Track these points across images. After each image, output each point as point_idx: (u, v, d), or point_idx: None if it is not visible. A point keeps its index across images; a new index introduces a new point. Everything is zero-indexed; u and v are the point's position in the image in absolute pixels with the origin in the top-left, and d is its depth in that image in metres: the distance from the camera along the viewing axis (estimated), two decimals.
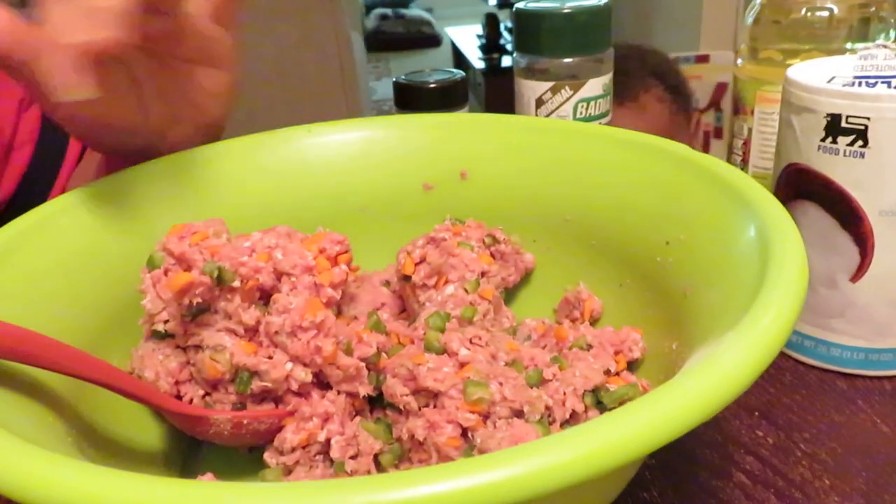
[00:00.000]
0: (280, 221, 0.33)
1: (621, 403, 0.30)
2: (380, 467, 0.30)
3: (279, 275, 0.30)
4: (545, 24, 0.48)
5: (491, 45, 3.18)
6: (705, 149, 1.80)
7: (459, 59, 3.43)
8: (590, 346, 0.33)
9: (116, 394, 0.28)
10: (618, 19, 0.49)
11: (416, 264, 0.36)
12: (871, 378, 0.39)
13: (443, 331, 0.31)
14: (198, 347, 0.30)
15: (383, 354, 0.31)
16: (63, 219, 0.32)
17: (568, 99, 0.49)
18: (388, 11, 4.46)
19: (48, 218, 0.32)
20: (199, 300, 0.29)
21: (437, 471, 0.16)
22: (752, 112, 0.49)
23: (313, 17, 1.58)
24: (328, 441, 0.29)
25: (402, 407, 0.29)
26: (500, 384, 0.28)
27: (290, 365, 0.29)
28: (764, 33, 0.48)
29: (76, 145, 0.64)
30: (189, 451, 0.33)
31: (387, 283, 0.38)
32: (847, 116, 0.34)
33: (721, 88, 1.77)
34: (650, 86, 1.09)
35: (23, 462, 0.18)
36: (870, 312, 0.37)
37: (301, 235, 0.32)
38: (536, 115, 0.50)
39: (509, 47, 3.03)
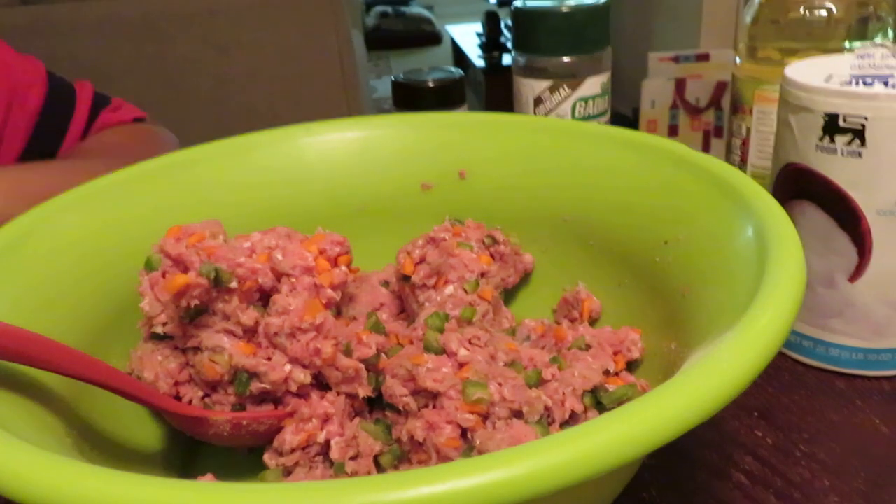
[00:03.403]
0: (278, 221, 0.33)
1: (620, 404, 0.30)
2: (379, 468, 0.30)
3: (279, 275, 0.30)
4: (543, 22, 0.48)
5: (491, 44, 3.17)
6: (705, 148, 1.80)
7: (460, 57, 3.42)
8: (589, 347, 0.33)
9: (116, 395, 0.28)
10: (618, 18, 0.49)
11: (416, 264, 0.36)
12: (869, 378, 0.39)
13: (442, 331, 0.31)
14: (197, 349, 0.30)
15: (382, 355, 0.31)
16: (61, 219, 0.32)
17: (566, 98, 0.49)
18: (389, 9, 4.46)
19: (46, 218, 0.32)
20: (197, 302, 0.29)
21: (437, 471, 0.17)
22: (751, 111, 0.49)
23: (313, 17, 1.57)
24: (327, 442, 0.30)
25: (401, 408, 0.29)
26: (500, 385, 0.28)
27: (289, 366, 0.29)
28: (762, 32, 0.48)
29: (76, 133, 0.65)
30: (188, 452, 0.33)
31: (386, 284, 0.38)
32: (844, 116, 0.34)
33: (721, 87, 1.77)
34: None
35: (22, 463, 0.18)
36: (868, 312, 0.37)
37: (301, 236, 0.32)
38: (535, 113, 0.50)
39: (510, 45, 3.02)
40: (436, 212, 0.39)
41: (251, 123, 0.41)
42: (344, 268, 0.31)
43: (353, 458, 0.30)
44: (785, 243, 0.25)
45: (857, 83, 0.34)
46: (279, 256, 0.30)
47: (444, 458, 0.27)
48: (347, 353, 0.29)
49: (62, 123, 0.66)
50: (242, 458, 0.33)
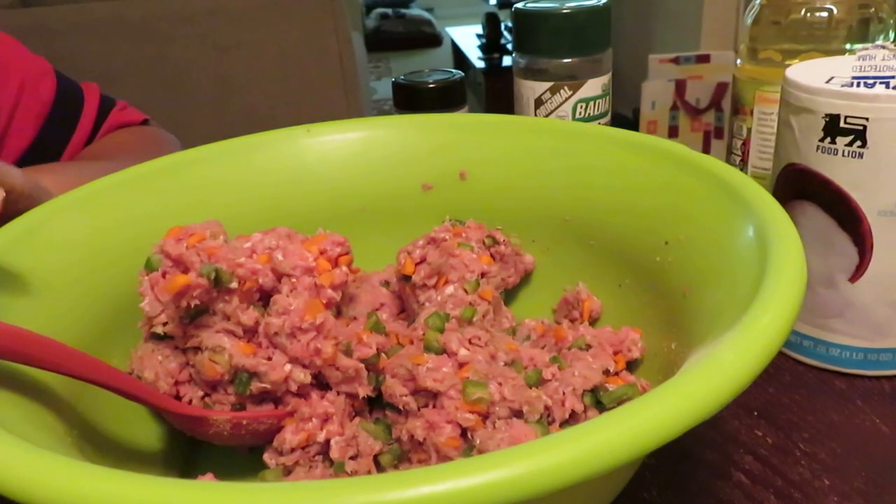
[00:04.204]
0: (278, 222, 0.33)
1: (620, 403, 0.30)
2: (379, 468, 0.30)
3: (279, 276, 0.30)
4: (544, 24, 0.48)
5: (491, 45, 3.17)
6: (705, 149, 1.80)
7: (460, 59, 3.43)
8: (589, 346, 0.33)
9: (116, 394, 0.28)
10: (618, 20, 0.49)
11: (416, 264, 0.36)
12: (870, 378, 0.39)
13: (442, 331, 0.31)
14: (197, 349, 0.30)
15: (382, 355, 0.31)
16: (63, 219, 0.32)
17: (567, 99, 0.49)
18: (389, 11, 4.46)
19: (47, 218, 0.32)
20: (197, 302, 0.29)
21: (437, 471, 0.16)
22: (752, 112, 0.49)
23: (313, 17, 1.58)
24: (327, 441, 0.30)
25: (401, 407, 0.29)
26: (500, 384, 0.28)
27: (289, 366, 0.29)
28: (763, 34, 0.48)
29: (83, 133, 0.65)
30: (189, 451, 0.33)
31: (386, 284, 0.38)
32: (845, 117, 0.34)
33: (721, 88, 1.77)
34: None
35: (23, 462, 0.18)
36: (868, 313, 0.37)
37: (302, 237, 0.32)
38: (536, 115, 0.50)
39: (510, 47, 3.02)
40: (436, 212, 0.39)
41: (251, 124, 0.41)
42: (344, 268, 0.31)
43: (352, 458, 0.30)
44: (785, 243, 0.25)
45: (858, 84, 0.34)
46: (280, 257, 0.30)
47: (444, 458, 0.27)
48: (347, 352, 0.29)
49: (72, 119, 0.66)
50: (243, 457, 0.33)
